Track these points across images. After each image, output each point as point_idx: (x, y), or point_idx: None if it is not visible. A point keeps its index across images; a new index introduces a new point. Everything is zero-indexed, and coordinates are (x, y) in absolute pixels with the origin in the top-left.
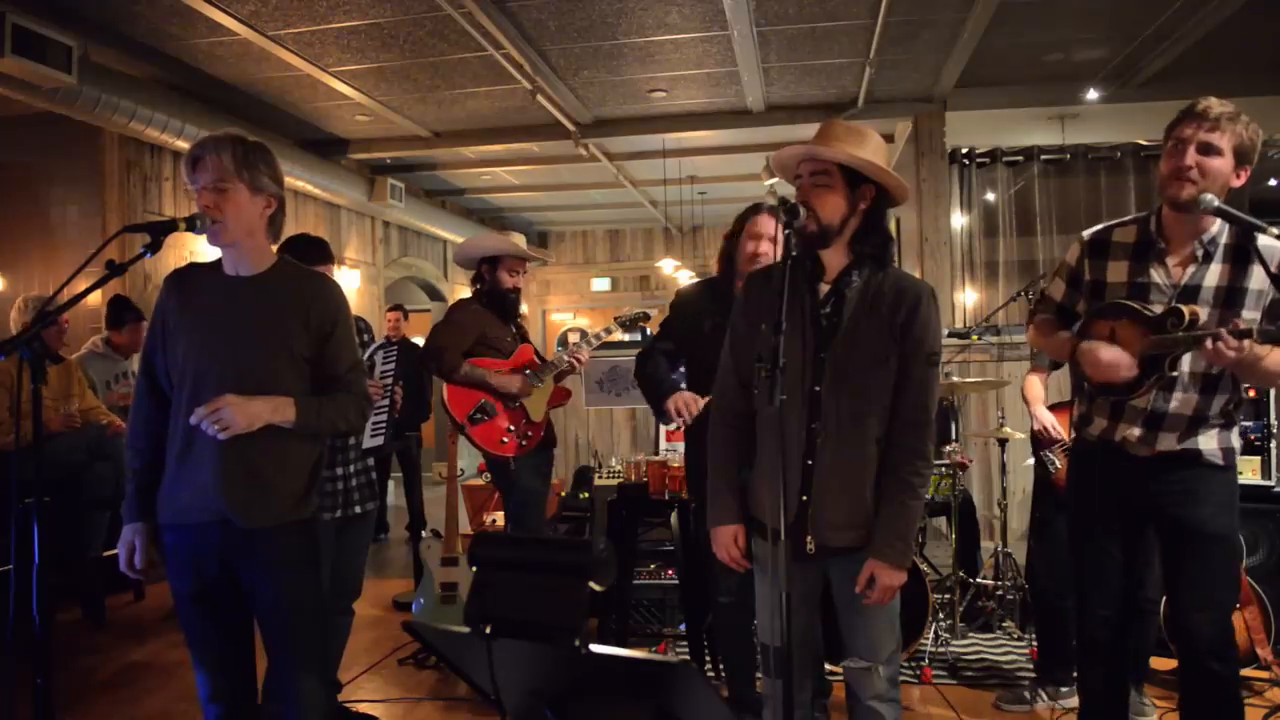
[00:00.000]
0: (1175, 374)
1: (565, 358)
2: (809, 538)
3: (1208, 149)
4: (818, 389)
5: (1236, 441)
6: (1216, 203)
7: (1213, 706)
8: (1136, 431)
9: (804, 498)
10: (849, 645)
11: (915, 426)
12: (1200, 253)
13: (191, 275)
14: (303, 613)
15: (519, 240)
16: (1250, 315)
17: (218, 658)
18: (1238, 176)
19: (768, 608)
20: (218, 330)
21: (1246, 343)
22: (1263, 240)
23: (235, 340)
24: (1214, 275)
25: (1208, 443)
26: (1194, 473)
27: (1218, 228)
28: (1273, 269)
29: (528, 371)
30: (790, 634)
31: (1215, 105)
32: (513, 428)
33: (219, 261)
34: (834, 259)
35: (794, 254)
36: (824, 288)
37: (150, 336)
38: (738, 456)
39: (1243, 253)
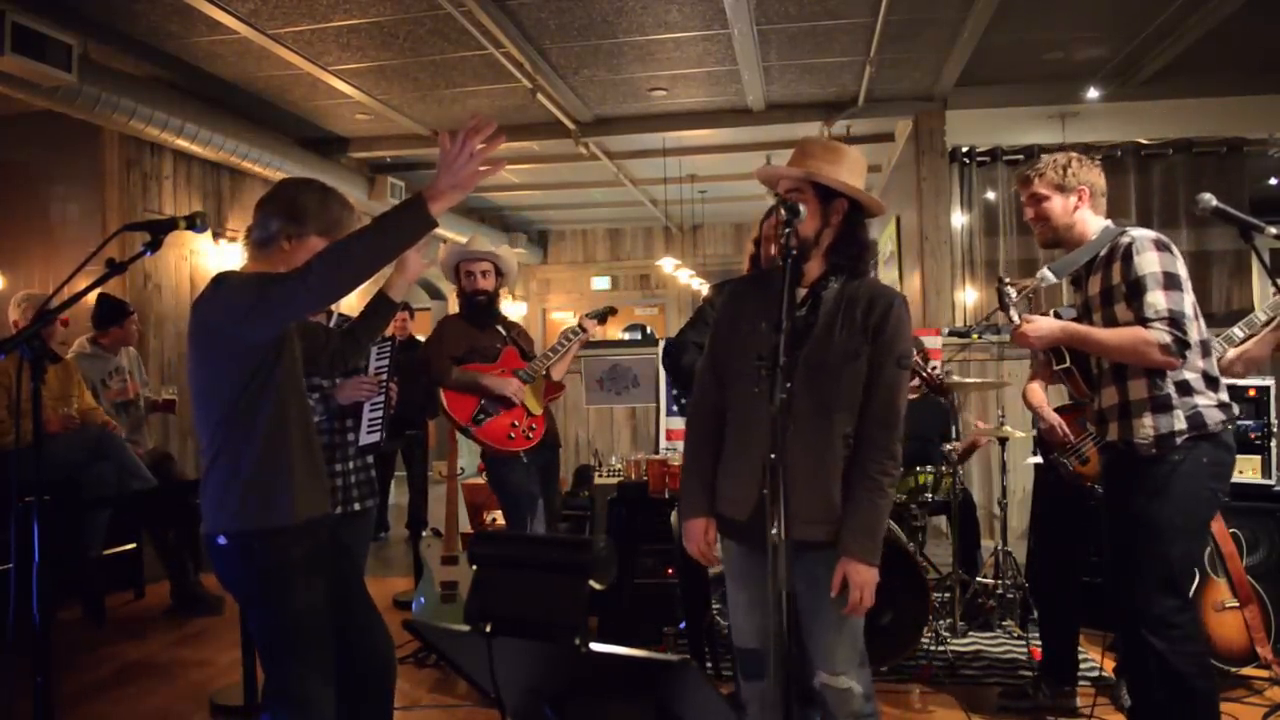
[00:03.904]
0: (1064, 366)
1: (550, 354)
2: (773, 531)
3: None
4: (789, 385)
5: (1179, 424)
6: (1214, 203)
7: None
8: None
9: (764, 492)
10: (812, 657)
11: (883, 425)
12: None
13: None
14: None
15: (474, 243)
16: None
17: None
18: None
19: (740, 610)
20: None
21: (1025, 328)
22: (1124, 237)
23: None
24: (1094, 284)
25: (1141, 429)
26: (1132, 465)
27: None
28: (1117, 261)
29: (517, 371)
30: (777, 634)
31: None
32: (516, 423)
33: None
34: (811, 268)
35: (794, 252)
36: (801, 293)
37: None
38: (712, 453)
39: (1110, 256)
